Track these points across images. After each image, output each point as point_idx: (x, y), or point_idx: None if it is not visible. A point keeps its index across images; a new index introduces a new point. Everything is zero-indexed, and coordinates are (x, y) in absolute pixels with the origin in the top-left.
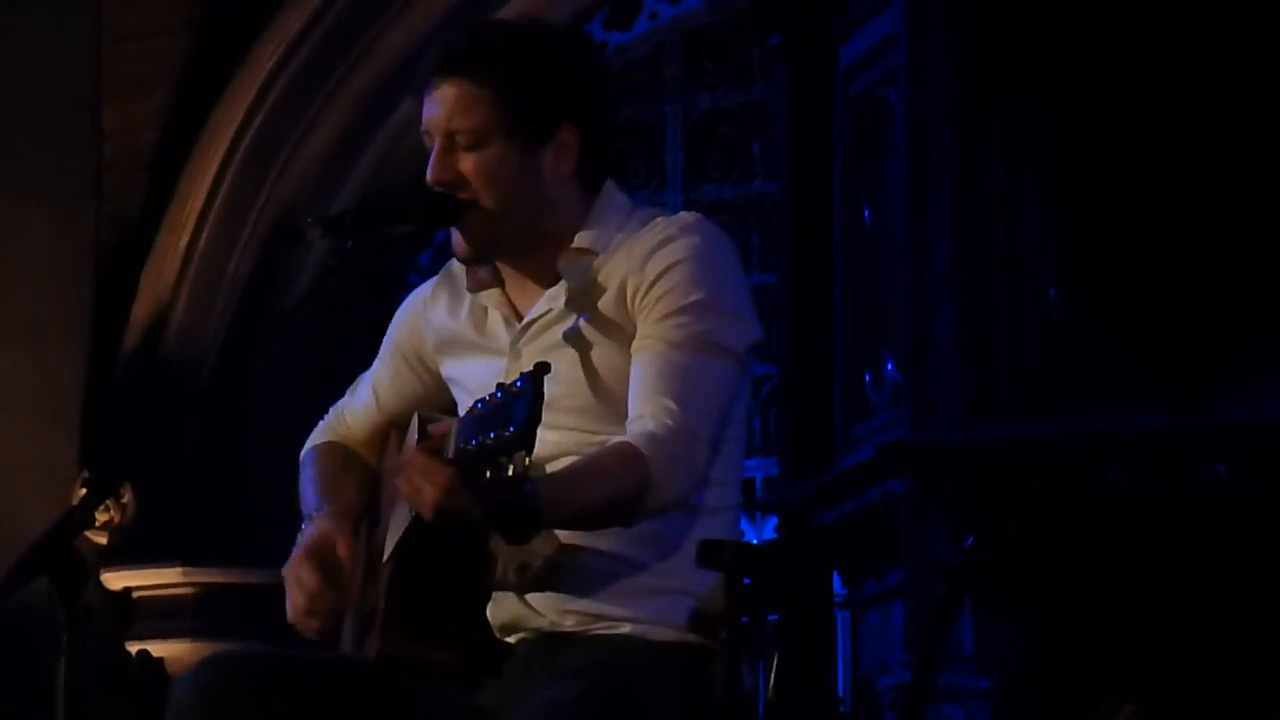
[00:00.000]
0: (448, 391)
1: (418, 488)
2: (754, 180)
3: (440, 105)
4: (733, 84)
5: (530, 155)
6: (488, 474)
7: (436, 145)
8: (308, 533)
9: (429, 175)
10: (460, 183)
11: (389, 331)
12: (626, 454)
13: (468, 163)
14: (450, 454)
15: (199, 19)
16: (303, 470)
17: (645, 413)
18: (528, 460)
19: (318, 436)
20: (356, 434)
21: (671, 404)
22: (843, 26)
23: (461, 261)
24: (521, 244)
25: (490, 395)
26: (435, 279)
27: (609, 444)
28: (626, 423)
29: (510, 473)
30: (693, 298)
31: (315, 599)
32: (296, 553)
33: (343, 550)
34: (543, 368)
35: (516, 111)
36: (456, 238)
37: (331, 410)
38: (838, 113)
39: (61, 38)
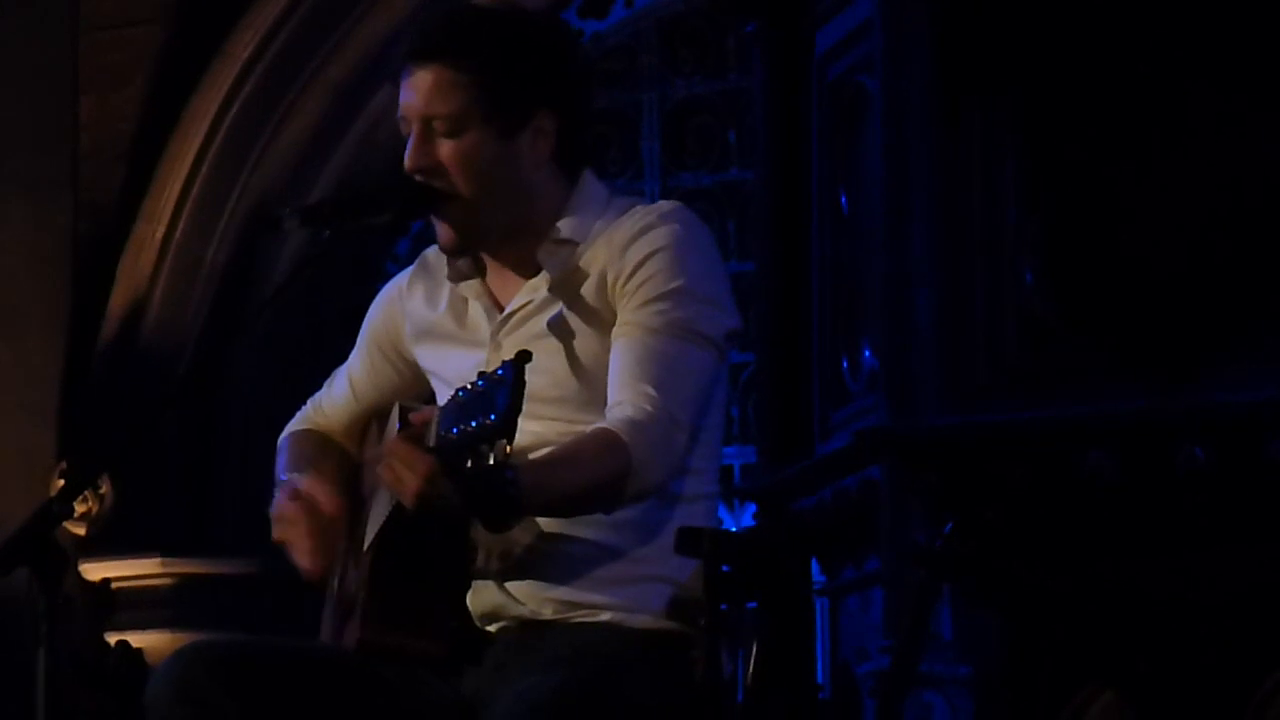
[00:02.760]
0: (426, 381)
1: (399, 476)
2: (730, 168)
3: (417, 91)
4: (709, 71)
5: (508, 141)
6: (469, 462)
7: (413, 132)
8: (287, 484)
9: (406, 162)
10: (438, 169)
11: (365, 323)
12: (607, 440)
13: (445, 149)
14: (431, 442)
15: (175, 8)
16: (279, 454)
17: (625, 399)
18: (509, 448)
19: (295, 425)
20: (335, 425)
21: (651, 390)
22: (818, 13)
23: (446, 253)
24: (502, 233)
25: (472, 383)
26: (410, 269)
27: (589, 430)
28: (606, 409)
29: (491, 460)
30: (672, 285)
31: (311, 532)
32: (280, 497)
33: (325, 501)
34: (524, 356)
35: (494, 97)
36: (441, 229)
37: (309, 402)
38: (814, 99)
39: (38, 28)
